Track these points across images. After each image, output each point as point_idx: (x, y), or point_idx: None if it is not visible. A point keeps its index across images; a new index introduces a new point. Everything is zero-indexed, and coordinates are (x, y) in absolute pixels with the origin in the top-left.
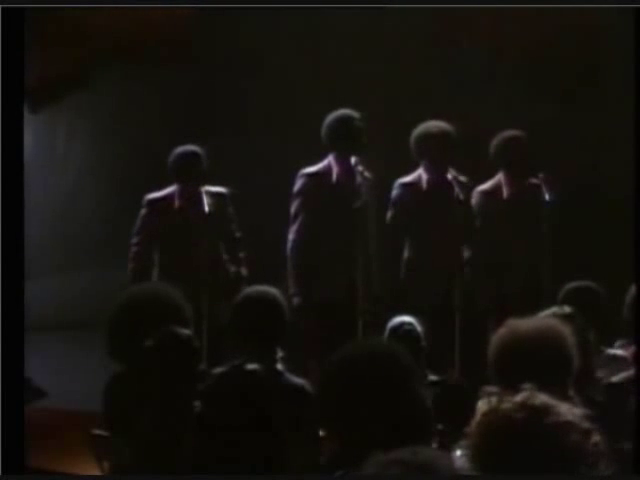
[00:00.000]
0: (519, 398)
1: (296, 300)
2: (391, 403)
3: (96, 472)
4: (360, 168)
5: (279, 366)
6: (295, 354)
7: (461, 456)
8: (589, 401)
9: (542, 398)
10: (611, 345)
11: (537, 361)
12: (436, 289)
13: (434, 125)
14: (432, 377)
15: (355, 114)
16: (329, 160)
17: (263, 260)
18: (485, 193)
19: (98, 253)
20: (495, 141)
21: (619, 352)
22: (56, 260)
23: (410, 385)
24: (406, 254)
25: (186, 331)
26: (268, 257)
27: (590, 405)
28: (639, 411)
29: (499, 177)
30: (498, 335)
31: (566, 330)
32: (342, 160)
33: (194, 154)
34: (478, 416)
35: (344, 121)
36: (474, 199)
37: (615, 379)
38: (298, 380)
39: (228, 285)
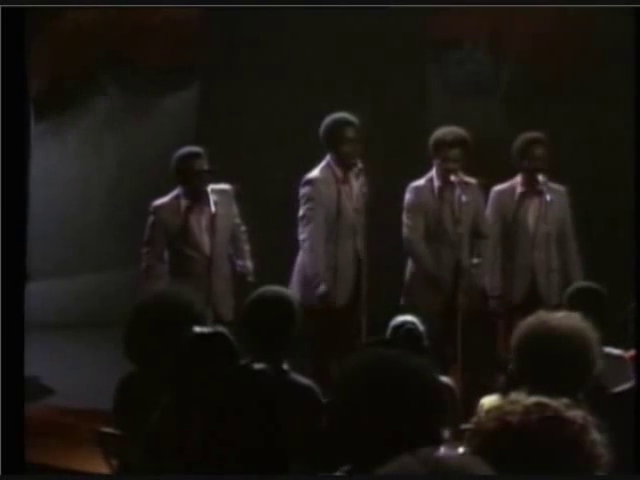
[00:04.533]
0: (521, 398)
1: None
2: (406, 406)
3: (102, 470)
4: (359, 170)
5: (285, 366)
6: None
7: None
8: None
9: (540, 399)
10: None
11: (560, 357)
12: (444, 290)
13: (450, 131)
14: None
15: (352, 117)
16: (328, 162)
17: (269, 254)
18: (501, 193)
19: (104, 255)
20: (516, 142)
21: (615, 351)
22: (61, 261)
23: (423, 388)
24: (417, 256)
25: (222, 328)
26: (274, 252)
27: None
28: (639, 411)
29: (517, 178)
30: (527, 324)
31: (594, 335)
32: (341, 163)
33: (196, 154)
34: (481, 414)
35: (341, 124)
36: (490, 198)
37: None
38: (304, 380)
39: (235, 279)
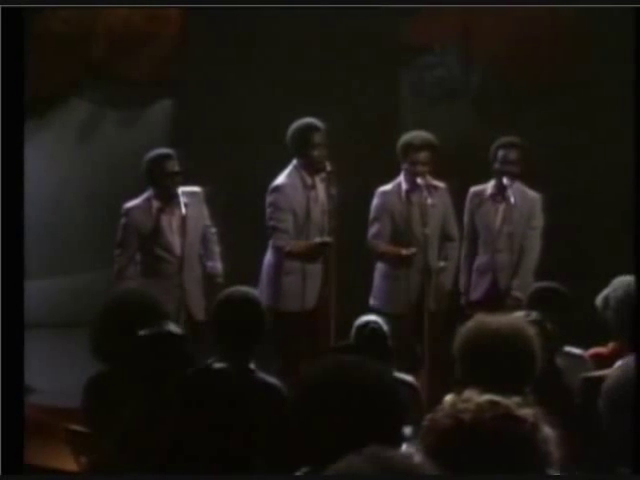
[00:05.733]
0: (474, 396)
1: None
2: (365, 408)
3: (71, 467)
4: (328, 173)
5: (252, 365)
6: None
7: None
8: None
9: (493, 397)
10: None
11: (502, 358)
12: (412, 291)
13: (417, 135)
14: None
15: (319, 122)
16: (294, 166)
17: (239, 256)
18: (474, 193)
19: (91, 255)
20: (492, 146)
21: (575, 350)
22: (47, 261)
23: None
24: (381, 252)
25: (176, 327)
26: (244, 253)
27: (550, 403)
28: (638, 410)
29: (494, 180)
30: (466, 328)
31: (532, 331)
32: (308, 167)
33: (167, 156)
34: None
35: (308, 129)
36: (467, 199)
37: (591, 375)
38: (270, 379)
39: (205, 280)
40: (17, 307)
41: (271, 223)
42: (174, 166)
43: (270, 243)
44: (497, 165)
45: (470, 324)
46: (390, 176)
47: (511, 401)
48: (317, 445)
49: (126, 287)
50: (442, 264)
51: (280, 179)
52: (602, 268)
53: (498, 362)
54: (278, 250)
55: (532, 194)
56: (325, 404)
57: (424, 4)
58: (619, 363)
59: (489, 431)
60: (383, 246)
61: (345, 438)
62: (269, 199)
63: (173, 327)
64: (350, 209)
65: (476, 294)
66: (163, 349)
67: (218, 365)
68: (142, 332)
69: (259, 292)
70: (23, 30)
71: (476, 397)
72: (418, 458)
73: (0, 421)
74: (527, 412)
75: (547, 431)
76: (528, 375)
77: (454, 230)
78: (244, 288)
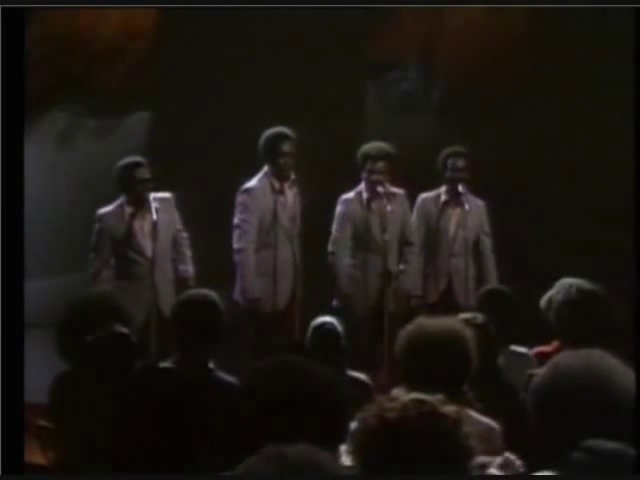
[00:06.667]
0: (400, 395)
1: (242, 305)
2: (306, 408)
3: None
4: (292, 181)
5: (211, 364)
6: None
7: (345, 452)
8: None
9: (418, 395)
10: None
11: (438, 359)
12: (372, 293)
13: (374, 146)
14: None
15: (289, 132)
16: (265, 172)
17: (209, 259)
18: (426, 199)
19: (70, 258)
20: (440, 155)
21: (520, 349)
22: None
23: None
24: (349, 261)
25: (123, 328)
26: (214, 257)
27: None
28: (639, 410)
29: (443, 187)
30: (406, 331)
31: (468, 333)
32: (277, 174)
33: (137, 163)
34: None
35: (278, 138)
36: (416, 204)
37: (538, 371)
38: (228, 377)
39: (177, 283)
40: (17, 308)
41: (236, 222)
42: (144, 173)
43: (233, 242)
44: (448, 173)
45: (410, 327)
46: (356, 184)
47: (436, 398)
48: (258, 443)
49: (88, 290)
50: (402, 267)
51: (251, 182)
52: (549, 271)
53: (435, 363)
54: (238, 252)
55: (479, 202)
56: (266, 403)
57: (418, 4)
58: (548, 363)
59: (413, 428)
60: (340, 266)
61: (285, 436)
62: (238, 199)
63: (120, 328)
64: (318, 215)
65: (431, 298)
66: (112, 350)
67: (176, 364)
68: (89, 337)
69: (236, 293)
70: (23, 30)
71: (402, 396)
72: (314, 451)
73: (0, 421)
74: (450, 409)
75: (469, 426)
76: (463, 375)
77: (413, 235)
78: (204, 290)
